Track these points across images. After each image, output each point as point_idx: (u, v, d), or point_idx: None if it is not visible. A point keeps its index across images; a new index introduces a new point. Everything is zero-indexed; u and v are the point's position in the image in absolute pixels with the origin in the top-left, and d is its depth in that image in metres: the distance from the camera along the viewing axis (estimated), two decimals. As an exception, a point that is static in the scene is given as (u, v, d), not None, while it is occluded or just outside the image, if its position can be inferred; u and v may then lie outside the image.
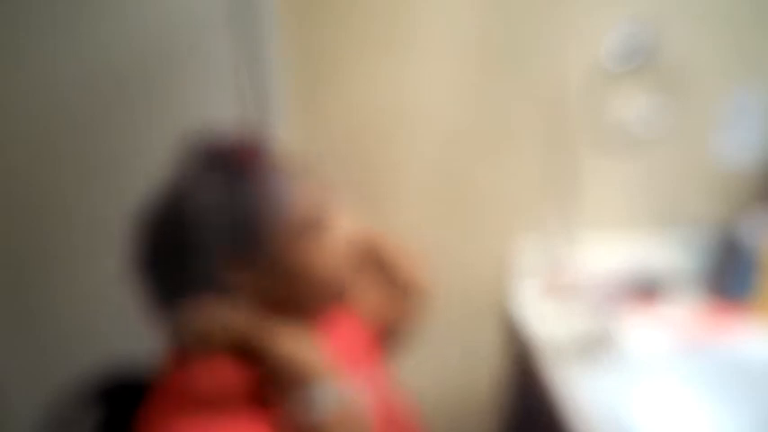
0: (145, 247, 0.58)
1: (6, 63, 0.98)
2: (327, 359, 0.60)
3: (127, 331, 1.10)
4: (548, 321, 1.01)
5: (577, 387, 0.84)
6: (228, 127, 0.69)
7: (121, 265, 0.60)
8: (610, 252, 1.09)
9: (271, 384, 0.57)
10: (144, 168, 1.05)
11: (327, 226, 0.62)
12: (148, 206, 0.60)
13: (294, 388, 0.56)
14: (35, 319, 1.11)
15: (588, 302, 1.00)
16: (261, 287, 0.58)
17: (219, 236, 0.56)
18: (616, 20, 0.99)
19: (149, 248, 0.58)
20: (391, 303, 0.82)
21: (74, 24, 0.97)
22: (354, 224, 0.68)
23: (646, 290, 1.05)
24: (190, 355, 0.59)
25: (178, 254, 0.56)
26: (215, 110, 1.02)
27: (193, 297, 0.57)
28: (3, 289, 1.09)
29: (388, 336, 0.84)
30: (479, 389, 1.21)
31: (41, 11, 0.96)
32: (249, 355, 0.57)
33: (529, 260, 1.10)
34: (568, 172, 1.07)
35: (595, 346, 0.92)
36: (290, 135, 1.01)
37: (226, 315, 0.57)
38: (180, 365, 0.59)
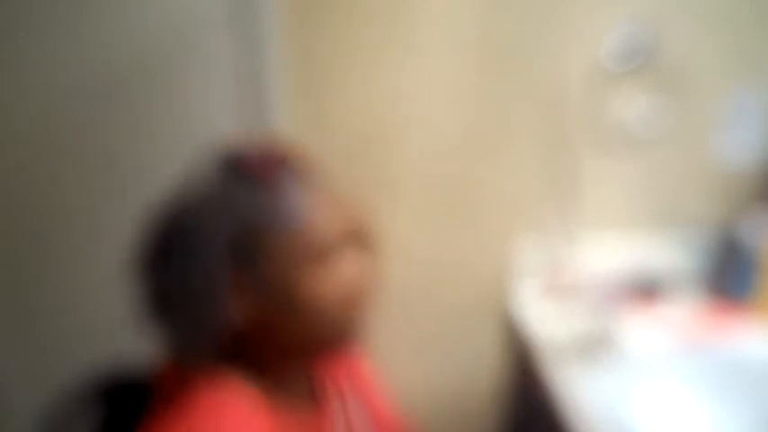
0: (149, 251, 0.55)
1: (6, 63, 0.98)
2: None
3: (127, 331, 1.10)
4: (548, 321, 1.01)
5: (577, 387, 0.84)
6: (244, 133, 0.64)
7: (123, 268, 0.58)
8: (610, 252, 1.09)
9: None
10: (144, 168, 1.05)
11: (343, 257, 0.56)
12: (160, 209, 0.56)
13: None
14: (35, 319, 1.11)
15: (588, 302, 1.00)
16: (262, 312, 0.54)
17: (226, 247, 0.52)
18: (616, 20, 0.99)
19: (153, 253, 0.55)
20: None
21: (74, 24, 0.97)
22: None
23: (646, 290, 1.05)
24: (187, 369, 0.58)
25: (182, 261, 0.53)
26: (215, 110, 1.02)
27: (192, 309, 0.54)
28: (3, 289, 1.09)
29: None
30: (479, 389, 1.21)
31: (41, 11, 0.96)
32: None
33: (529, 260, 1.10)
34: (568, 172, 1.07)
35: (595, 346, 0.92)
36: (289, 135, 1.01)
37: None
38: (177, 378, 0.58)
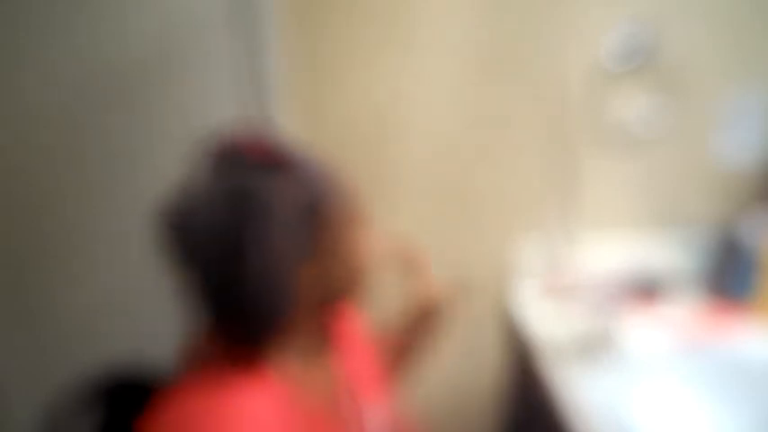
0: (210, 243, 0.54)
1: (6, 63, 0.98)
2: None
3: (127, 331, 1.10)
4: (548, 321, 1.01)
5: (577, 387, 0.84)
6: (234, 126, 0.65)
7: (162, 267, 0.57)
8: (610, 252, 1.09)
9: None
10: (144, 168, 1.05)
11: (359, 215, 0.62)
12: (195, 210, 0.55)
13: None
14: (35, 319, 1.11)
15: (588, 302, 1.00)
16: (311, 279, 0.58)
17: (295, 226, 0.55)
18: (616, 20, 0.99)
19: (216, 244, 0.54)
20: (409, 317, 0.84)
21: (74, 24, 0.97)
22: (377, 233, 0.69)
23: (646, 290, 1.05)
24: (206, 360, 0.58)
25: (257, 246, 0.53)
26: (215, 110, 1.02)
27: (271, 289, 0.55)
28: (3, 289, 1.09)
29: (401, 353, 0.85)
30: (480, 389, 1.21)
31: (41, 11, 0.96)
32: None
33: (529, 260, 1.10)
34: (568, 172, 1.07)
35: (595, 346, 0.92)
36: (289, 135, 1.01)
37: None
38: (209, 353, 0.59)
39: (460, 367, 1.19)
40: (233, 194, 0.53)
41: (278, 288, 0.55)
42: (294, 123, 1.02)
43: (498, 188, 1.08)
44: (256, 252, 0.53)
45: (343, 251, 0.59)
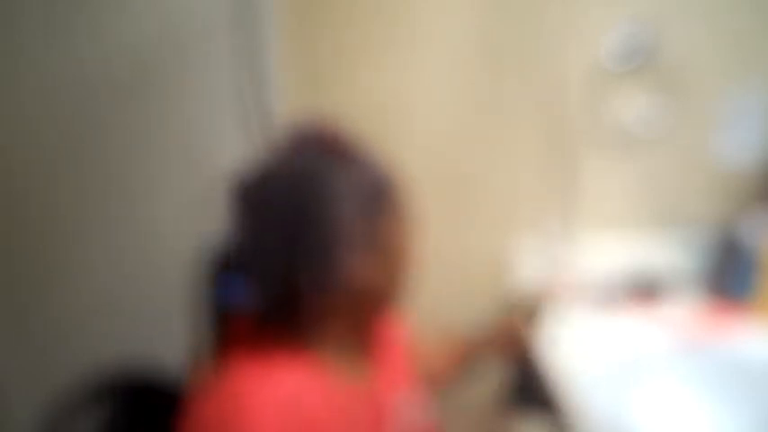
0: (276, 216, 0.57)
1: (6, 63, 0.98)
2: None
3: (126, 332, 1.10)
4: (548, 321, 1.01)
5: (578, 387, 0.84)
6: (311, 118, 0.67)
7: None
8: (610, 252, 1.09)
9: None
10: (143, 168, 1.05)
11: (412, 216, 0.64)
12: (269, 185, 0.58)
13: None
14: (35, 320, 1.11)
15: (588, 302, 1.00)
16: (360, 269, 0.59)
17: (357, 210, 0.58)
18: (616, 20, 0.99)
19: (284, 217, 0.57)
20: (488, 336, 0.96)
21: (73, 25, 0.97)
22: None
23: (646, 290, 1.05)
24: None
25: (319, 220, 0.56)
26: (215, 110, 1.02)
27: (325, 262, 0.57)
28: (3, 289, 1.09)
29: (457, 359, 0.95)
30: (479, 389, 1.20)
31: (41, 11, 0.96)
32: None
33: (529, 260, 1.10)
34: (568, 172, 1.07)
35: (596, 345, 0.92)
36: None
37: None
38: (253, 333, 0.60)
39: (460, 367, 1.19)
40: (306, 176, 0.57)
41: (329, 268, 0.57)
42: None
43: (498, 188, 1.08)
44: (316, 232, 0.56)
45: (393, 247, 0.61)
